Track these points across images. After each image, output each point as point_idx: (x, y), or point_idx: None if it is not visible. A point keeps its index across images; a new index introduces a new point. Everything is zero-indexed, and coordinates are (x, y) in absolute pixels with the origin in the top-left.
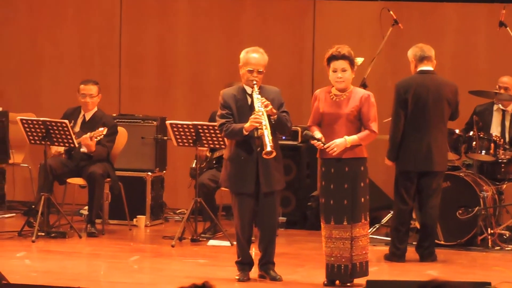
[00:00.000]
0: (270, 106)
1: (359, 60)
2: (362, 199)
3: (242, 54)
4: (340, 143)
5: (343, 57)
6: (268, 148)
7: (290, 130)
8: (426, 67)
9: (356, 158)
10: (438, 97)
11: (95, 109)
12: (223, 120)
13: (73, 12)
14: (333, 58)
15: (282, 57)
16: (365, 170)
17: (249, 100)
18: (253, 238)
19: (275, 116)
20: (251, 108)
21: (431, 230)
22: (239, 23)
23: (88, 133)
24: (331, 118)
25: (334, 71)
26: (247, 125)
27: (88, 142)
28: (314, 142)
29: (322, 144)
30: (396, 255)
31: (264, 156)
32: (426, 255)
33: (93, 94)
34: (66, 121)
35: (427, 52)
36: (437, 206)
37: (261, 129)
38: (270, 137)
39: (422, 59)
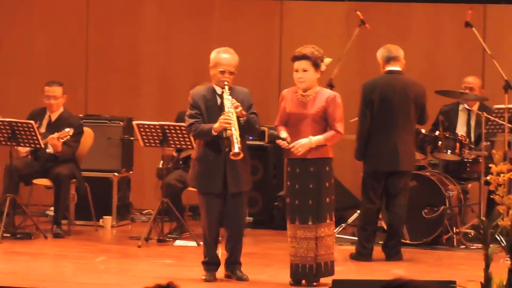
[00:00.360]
0: (240, 108)
1: (327, 61)
2: (327, 199)
3: (213, 55)
4: (305, 143)
5: (303, 57)
6: (236, 150)
7: (259, 132)
8: (393, 67)
9: (321, 158)
10: (404, 97)
11: (61, 109)
12: (192, 120)
13: (40, 11)
14: (295, 58)
15: (249, 57)
16: (330, 170)
17: (219, 100)
18: (220, 238)
19: (245, 117)
20: (220, 109)
21: (397, 229)
22: (208, 23)
23: (56, 133)
24: (297, 118)
25: (296, 71)
26: (216, 125)
27: (55, 142)
28: (279, 141)
29: (287, 144)
30: (363, 254)
31: (232, 157)
32: (392, 254)
33: (57, 96)
34: (32, 121)
35: (394, 53)
36: (404, 206)
37: (230, 130)
38: (239, 139)
39: (388, 59)
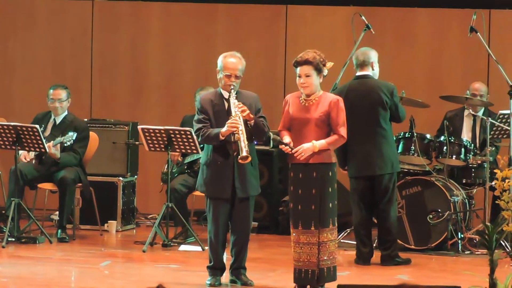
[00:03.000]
0: (247, 111)
1: (329, 65)
2: (330, 204)
3: (220, 59)
4: (307, 147)
5: (306, 62)
6: (244, 153)
7: (267, 136)
8: (361, 72)
9: (324, 164)
10: (370, 101)
11: (66, 112)
12: (200, 125)
13: (45, 16)
14: (297, 63)
15: (254, 62)
16: (333, 175)
17: (226, 105)
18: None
19: (252, 121)
20: (228, 113)
21: (386, 233)
22: (212, 28)
23: (51, 141)
24: (300, 122)
25: (299, 77)
26: (223, 130)
27: (50, 151)
28: (282, 146)
29: (290, 149)
30: (360, 258)
31: (240, 161)
32: (384, 259)
33: (62, 99)
34: (37, 126)
35: (360, 58)
36: (388, 210)
37: (238, 134)
38: (246, 142)
39: (357, 66)
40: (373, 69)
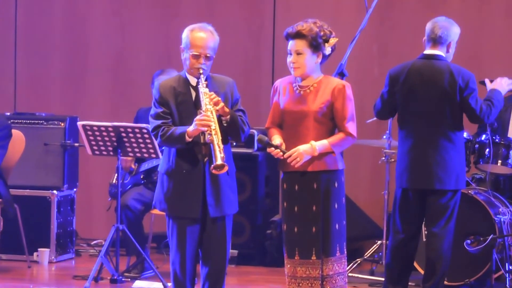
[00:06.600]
0: (222, 104)
1: (332, 41)
2: (337, 225)
3: (185, 33)
4: (304, 150)
5: (298, 35)
6: (218, 161)
7: (247, 136)
8: (432, 50)
9: (327, 171)
10: (437, 90)
11: None
12: (159, 122)
13: None
14: (287, 36)
15: (233, 39)
16: (339, 186)
17: (194, 94)
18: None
19: (228, 116)
20: (196, 105)
21: (434, 266)
22: None
23: None
24: (295, 117)
25: (289, 54)
26: (191, 128)
27: None
28: (271, 150)
29: (281, 153)
30: None
31: (213, 171)
32: None
33: None
34: None
35: (436, 31)
36: (443, 236)
37: (210, 134)
38: (221, 146)
39: (428, 40)
40: (448, 51)
